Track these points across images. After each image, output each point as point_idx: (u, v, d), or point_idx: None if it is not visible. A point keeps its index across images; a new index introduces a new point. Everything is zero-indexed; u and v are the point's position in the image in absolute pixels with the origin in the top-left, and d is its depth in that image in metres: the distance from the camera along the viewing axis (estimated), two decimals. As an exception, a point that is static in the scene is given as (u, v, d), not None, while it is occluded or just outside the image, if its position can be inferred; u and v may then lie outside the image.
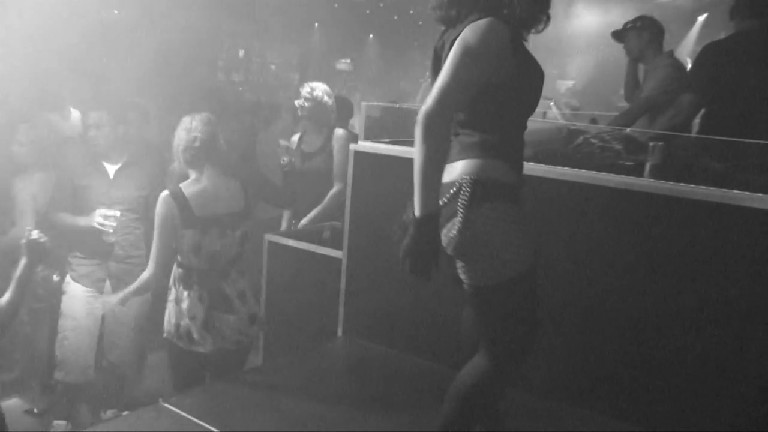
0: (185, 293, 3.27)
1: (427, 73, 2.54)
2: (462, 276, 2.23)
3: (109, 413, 3.92)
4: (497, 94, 2.19)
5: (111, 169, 3.93)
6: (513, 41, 2.17)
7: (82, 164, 3.94)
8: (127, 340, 4.00)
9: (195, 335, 3.25)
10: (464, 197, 2.13)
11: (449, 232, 2.15)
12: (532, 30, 2.28)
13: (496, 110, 2.22)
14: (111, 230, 3.74)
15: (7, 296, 2.82)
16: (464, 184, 2.14)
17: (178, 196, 3.21)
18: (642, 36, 4.44)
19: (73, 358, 3.90)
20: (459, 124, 2.24)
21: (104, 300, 3.80)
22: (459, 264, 2.21)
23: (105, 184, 3.88)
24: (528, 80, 2.25)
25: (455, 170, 2.19)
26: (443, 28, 2.31)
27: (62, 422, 3.91)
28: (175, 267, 3.33)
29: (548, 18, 2.28)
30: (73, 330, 3.89)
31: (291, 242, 4.14)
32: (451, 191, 2.15)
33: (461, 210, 2.13)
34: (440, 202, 2.16)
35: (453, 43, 2.14)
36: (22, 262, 2.93)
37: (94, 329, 3.94)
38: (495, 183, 2.16)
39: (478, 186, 2.14)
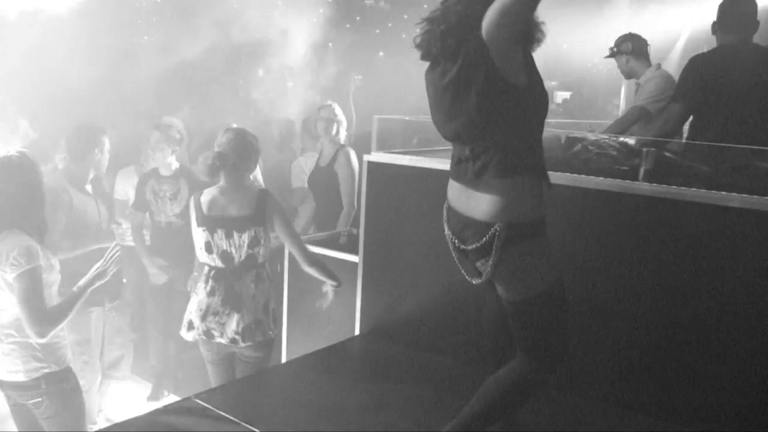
0: (200, 286, 3.29)
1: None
2: (501, 293, 2.33)
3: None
4: (514, 97, 2.19)
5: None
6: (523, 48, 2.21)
7: (50, 194, 3.44)
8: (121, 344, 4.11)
9: (195, 324, 3.26)
10: (498, 241, 2.22)
11: (484, 266, 2.28)
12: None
13: (514, 117, 2.22)
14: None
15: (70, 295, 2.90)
16: (499, 230, 2.22)
17: (196, 198, 3.29)
18: (625, 57, 4.47)
19: (82, 367, 3.85)
20: (478, 145, 2.24)
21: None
22: (496, 285, 2.33)
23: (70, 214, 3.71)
24: (539, 84, 2.27)
25: (488, 208, 2.23)
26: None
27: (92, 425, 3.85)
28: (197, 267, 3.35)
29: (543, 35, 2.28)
30: (79, 344, 3.84)
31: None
32: (489, 234, 2.23)
33: (495, 252, 2.23)
34: (478, 244, 2.26)
35: (476, 37, 2.12)
36: (92, 270, 2.99)
37: (97, 339, 3.97)
38: (525, 225, 2.24)
39: (512, 230, 2.22)
